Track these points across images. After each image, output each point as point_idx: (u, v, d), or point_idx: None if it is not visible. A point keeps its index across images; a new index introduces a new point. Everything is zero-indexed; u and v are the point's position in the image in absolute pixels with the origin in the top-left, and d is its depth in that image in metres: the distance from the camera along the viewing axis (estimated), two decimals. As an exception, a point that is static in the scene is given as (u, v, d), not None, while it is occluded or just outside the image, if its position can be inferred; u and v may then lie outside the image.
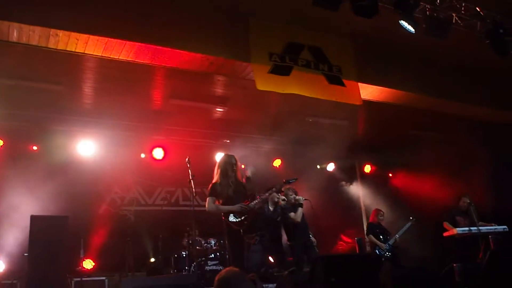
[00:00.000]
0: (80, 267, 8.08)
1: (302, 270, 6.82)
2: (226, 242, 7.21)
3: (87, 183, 9.07)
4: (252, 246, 6.52)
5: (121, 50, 5.99)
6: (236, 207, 6.30)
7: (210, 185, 6.55)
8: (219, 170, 6.54)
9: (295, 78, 6.87)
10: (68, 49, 5.83)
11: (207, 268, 7.83)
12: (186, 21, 6.28)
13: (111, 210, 9.64)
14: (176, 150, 9.68)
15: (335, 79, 7.23)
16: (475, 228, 7.94)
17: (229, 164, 6.52)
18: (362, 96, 7.42)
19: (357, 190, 12.30)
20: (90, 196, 9.34)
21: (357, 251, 9.98)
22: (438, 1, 6.21)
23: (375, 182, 12.05)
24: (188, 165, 6.54)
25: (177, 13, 6.25)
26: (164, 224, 9.24)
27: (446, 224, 8.58)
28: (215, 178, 6.52)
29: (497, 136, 9.82)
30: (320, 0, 5.71)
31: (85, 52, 5.94)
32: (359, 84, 7.43)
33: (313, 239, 7.67)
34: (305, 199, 7.73)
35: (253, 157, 7.25)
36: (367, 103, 7.85)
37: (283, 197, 7.24)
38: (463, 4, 6.37)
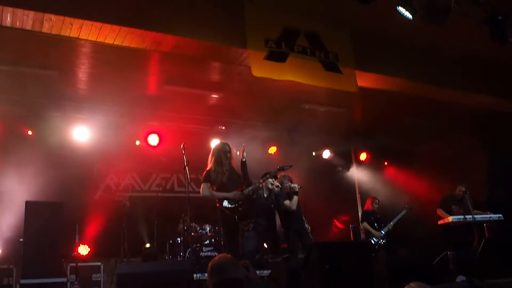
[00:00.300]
0: (75, 253, 8.11)
1: (296, 257, 6.84)
2: (221, 228, 7.23)
3: (82, 169, 9.11)
4: (246, 233, 6.54)
5: (115, 35, 5.91)
6: (230, 194, 6.31)
7: (205, 172, 6.56)
8: (213, 158, 6.55)
9: (291, 65, 6.81)
10: (62, 33, 5.74)
11: (202, 254, 7.84)
12: (181, 6, 6.19)
13: (106, 196, 9.62)
14: (171, 136, 9.66)
15: (332, 66, 7.18)
16: (470, 216, 7.98)
17: (223, 152, 6.53)
18: (358, 84, 7.38)
19: (352, 177, 12.31)
20: (85, 182, 9.37)
21: (351, 238, 10.03)
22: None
23: (371, 170, 12.06)
24: (183, 152, 6.49)
25: (173, -2, 6.17)
26: (159, 210, 9.23)
27: (440, 212, 8.62)
28: (209, 165, 6.53)
29: (494, 125, 9.82)
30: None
31: (79, 37, 5.86)
32: (356, 71, 7.39)
33: (307, 226, 7.69)
34: (300, 187, 7.73)
35: (248, 143, 7.19)
36: (364, 91, 7.81)
37: (278, 184, 7.24)
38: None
